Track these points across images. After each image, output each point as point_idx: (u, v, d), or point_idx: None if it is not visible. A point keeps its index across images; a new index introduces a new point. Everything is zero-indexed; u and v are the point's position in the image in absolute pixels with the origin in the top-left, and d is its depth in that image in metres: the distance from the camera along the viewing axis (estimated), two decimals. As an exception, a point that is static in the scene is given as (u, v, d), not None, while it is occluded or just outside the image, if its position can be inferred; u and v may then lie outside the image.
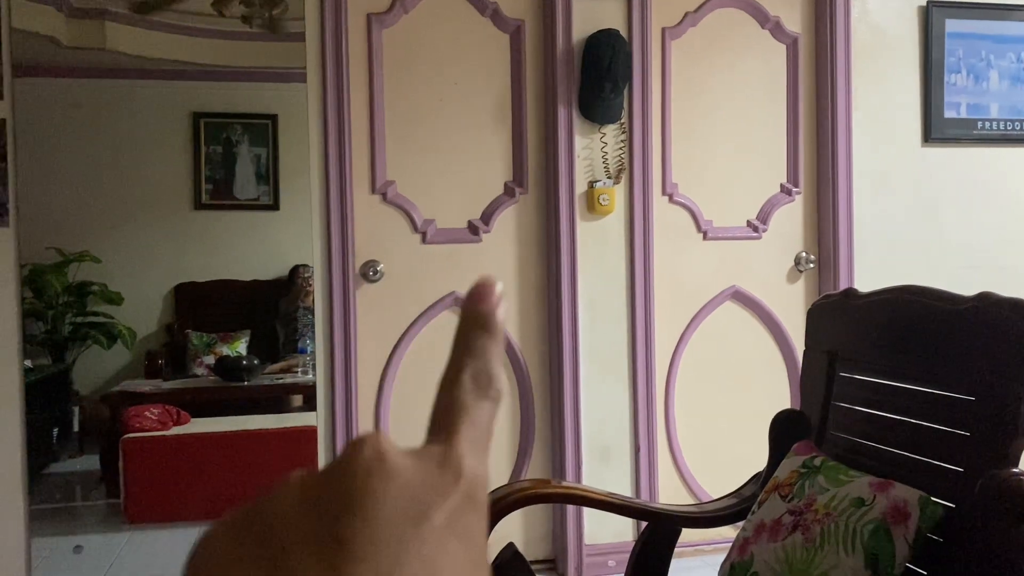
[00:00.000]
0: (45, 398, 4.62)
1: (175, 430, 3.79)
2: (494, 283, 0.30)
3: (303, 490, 0.26)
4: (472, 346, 0.29)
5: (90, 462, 4.49)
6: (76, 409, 5.07)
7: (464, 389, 0.29)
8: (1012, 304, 1.29)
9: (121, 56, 4.66)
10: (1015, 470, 1.22)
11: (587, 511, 2.75)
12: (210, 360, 5.03)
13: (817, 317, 1.74)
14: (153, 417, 3.77)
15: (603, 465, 2.84)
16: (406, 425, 2.76)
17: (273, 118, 5.83)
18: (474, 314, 0.30)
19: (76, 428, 5.02)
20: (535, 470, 2.84)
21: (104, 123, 5.53)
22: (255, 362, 4.61)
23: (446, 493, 0.26)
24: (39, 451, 4.37)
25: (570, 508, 2.79)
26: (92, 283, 5.24)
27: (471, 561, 0.25)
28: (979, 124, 3.12)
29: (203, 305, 5.66)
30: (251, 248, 5.83)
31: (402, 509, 0.25)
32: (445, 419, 0.28)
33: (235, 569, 0.25)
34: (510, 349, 2.83)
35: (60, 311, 5.13)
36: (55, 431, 4.78)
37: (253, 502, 0.26)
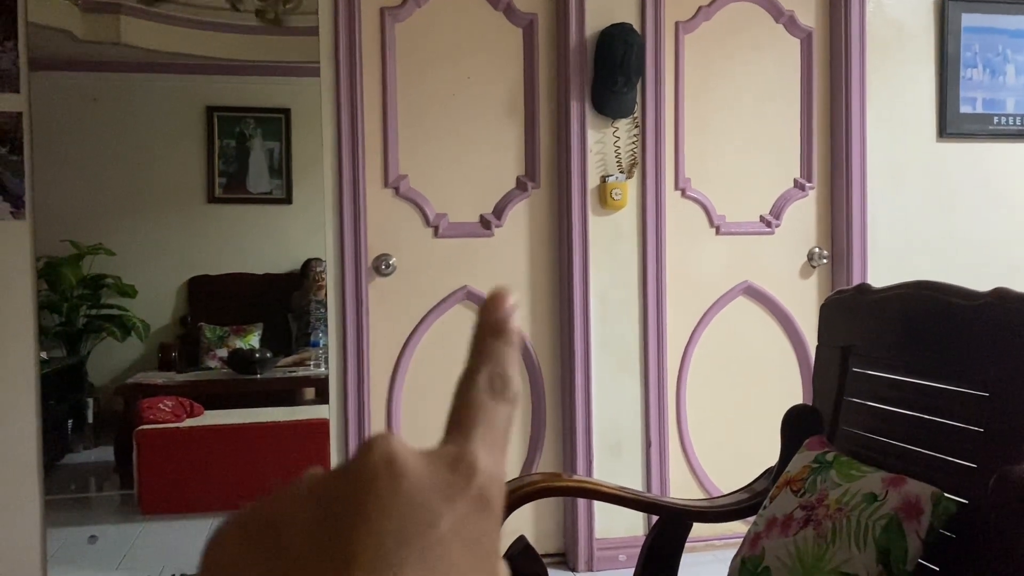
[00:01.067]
0: (60, 390, 4.66)
1: (188, 422, 3.81)
2: (508, 293, 0.31)
3: (311, 491, 0.26)
4: (487, 351, 0.29)
5: (104, 453, 4.53)
6: (91, 401, 5.11)
7: (480, 391, 0.29)
8: (1027, 300, 1.29)
9: (136, 50, 4.68)
10: (1029, 466, 1.21)
11: (598, 505, 2.75)
12: (223, 353, 5.06)
13: (830, 312, 1.73)
14: (167, 409, 3.79)
15: (614, 459, 2.84)
16: (418, 418, 2.77)
17: (286, 112, 5.85)
18: (488, 321, 0.30)
19: (91, 420, 5.06)
20: (546, 464, 2.85)
21: (119, 117, 5.56)
22: (268, 355, 4.64)
23: (455, 497, 0.26)
24: (54, 442, 4.41)
25: (581, 502, 2.79)
26: (106, 276, 5.28)
27: (477, 569, 0.25)
28: (995, 119, 3.10)
29: (216, 298, 5.69)
30: (264, 241, 5.85)
31: (409, 515, 0.25)
32: (460, 420, 0.28)
33: (241, 570, 0.25)
34: (522, 343, 2.83)
35: (75, 303, 5.17)
36: (70, 422, 4.82)
37: (262, 500, 0.26)
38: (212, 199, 5.85)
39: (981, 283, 1.42)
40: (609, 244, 2.84)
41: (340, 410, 2.72)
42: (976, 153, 3.11)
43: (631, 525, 2.82)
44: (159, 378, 4.57)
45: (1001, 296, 1.32)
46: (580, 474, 2.76)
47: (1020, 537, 1.20)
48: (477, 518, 0.26)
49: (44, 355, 4.29)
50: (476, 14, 2.79)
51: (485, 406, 0.28)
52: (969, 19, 3.05)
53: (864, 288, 1.65)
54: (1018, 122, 3.11)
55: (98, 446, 4.83)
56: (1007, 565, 1.21)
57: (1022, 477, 1.19)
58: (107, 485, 4.24)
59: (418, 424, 2.77)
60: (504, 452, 0.28)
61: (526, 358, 2.84)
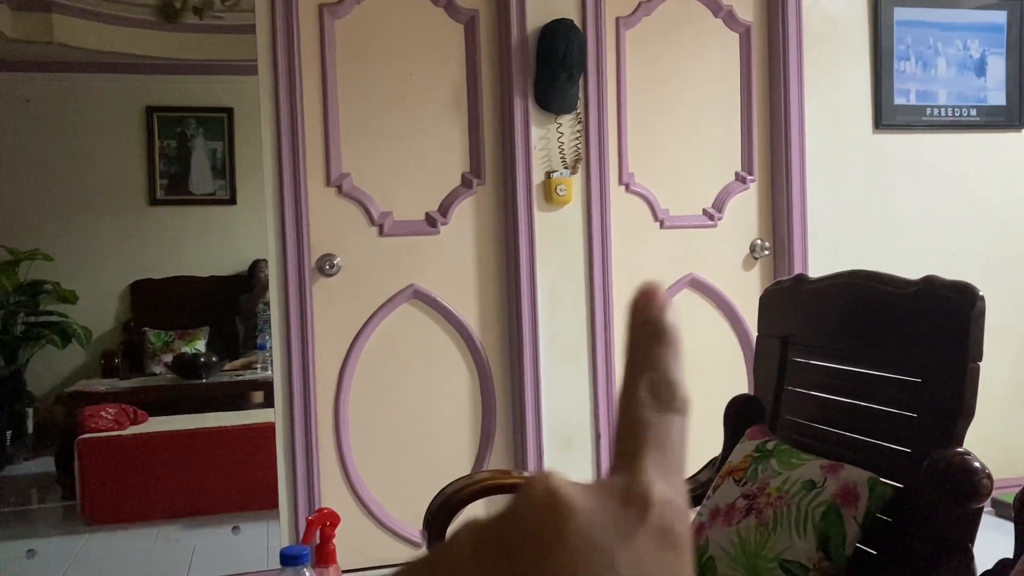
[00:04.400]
0: (-3, 400, 4.52)
1: (132, 430, 3.73)
2: (657, 287, 0.28)
3: (473, 546, 0.24)
4: (644, 356, 0.27)
5: (46, 464, 4.41)
6: (30, 410, 4.97)
7: (643, 405, 0.26)
8: (955, 287, 1.32)
9: (70, 50, 4.54)
10: (959, 449, 1.24)
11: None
12: (168, 358, 4.95)
13: (769, 303, 1.76)
14: (109, 417, 3.70)
15: (565, 453, 2.85)
16: (367, 420, 2.75)
17: (229, 111, 5.75)
18: (640, 322, 0.27)
19: (31, 430, 4.92)
20: (497, 460, 2.84)
21: (54, 118, 5.41)
22: (213, 359, 4.54)
23: (630, 533, 0.23)
24: (-8, 454, 4.28)
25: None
26: (45, 282, 5.12)
27: None
28: (928, 110, 3.17)
29: (160, 302, 5.56)
30: (208, 243, 5.74)
31: (581, 560, 0.22)
32: (628, 443, 0.26)
33: None
34: (470, 340, 2.82)
35: (12, 311, 5.01)
36: (8, 433, 4.68)
37: (430, 553, 0.25)
38: (154, 201, 5.72)
39: (918, 271, 1.45)
40: (555, 240, 2.84)
41: (286, 413, 2.68)
42: (911, 144, 3.18)
43: (583, 519, 2.82)
44: (102, 385, 4.46)
45: (930, 283, 1.35)
46: (531, 470, 2.76)
47: (952, 519, 1.22)
48: (660, 552, 0.24)
49: (-21, 365, 4.14)
50: (416, 10, 2.77)
51: (651, 422, 0.26)
52: (901, 13, 3.12)
53: (801, 278, 1.68)
54: (949, 113, 3.19)
55: (39, 456, 4.70)
56: (940, 547, 1.23)
57: (953, 460, 1.22)
58: (49, 496, 4.13)
59: (365, 425, 2.75)
60: (681, 472, 0.26)
61: (475, 354, 2.83)
